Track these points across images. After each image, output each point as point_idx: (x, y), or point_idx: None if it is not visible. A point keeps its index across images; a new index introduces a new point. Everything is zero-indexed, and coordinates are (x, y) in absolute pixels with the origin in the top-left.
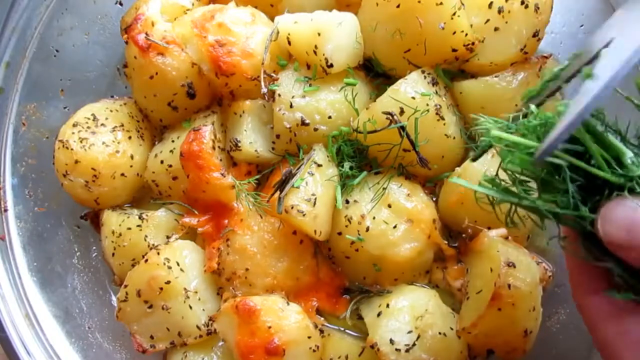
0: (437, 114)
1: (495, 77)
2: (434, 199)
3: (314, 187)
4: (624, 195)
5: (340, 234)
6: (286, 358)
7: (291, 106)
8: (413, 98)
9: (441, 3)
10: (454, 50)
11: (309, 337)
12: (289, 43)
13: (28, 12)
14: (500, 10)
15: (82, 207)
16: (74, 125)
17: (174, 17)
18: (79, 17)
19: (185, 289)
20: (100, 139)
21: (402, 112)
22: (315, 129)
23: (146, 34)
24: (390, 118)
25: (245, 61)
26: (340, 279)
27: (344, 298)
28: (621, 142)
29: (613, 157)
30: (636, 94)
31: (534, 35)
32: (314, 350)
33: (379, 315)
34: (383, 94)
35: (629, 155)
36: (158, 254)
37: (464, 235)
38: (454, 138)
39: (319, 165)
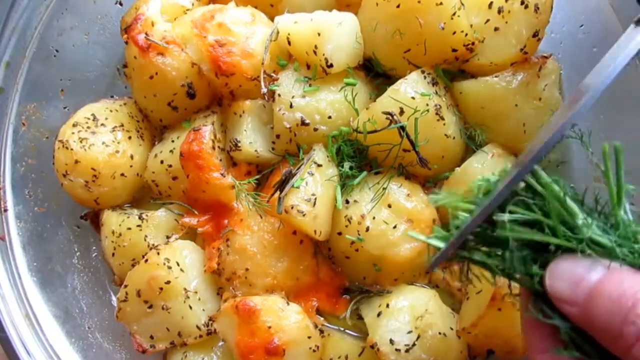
0: (437, 114)
1: (495, 77)
2: None
3: (314, 187)
4: (573, 253)
5: (340, 234)
6: (286, 358)
7: (291, 106)
8: (413, 98)
9: (441, 3)
10: (454, 50)
11: (309, 337)
12: (289, 43)
13: (28, 12)
14: (500, 10)
15: (82, 207)
16: (74, 125)
17: (174, 17)
18: (79, 17)
19: (185, 289)
20: (100, 139)
21: (402, 112)
22: (315, 129)
23: (146, 34)
24: (390, 118)
25: (245, 61)
26: (340, 279)
27: (344, 298)
28: (577, 205)
29: (564, 221)
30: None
31: (534, 35)
32: (314, 350)
33: (379, 315)
34: (383, 94)
35: (580, 216)
36: (158, 254)
37: None
38: (454, 138)
39: (319, 165)
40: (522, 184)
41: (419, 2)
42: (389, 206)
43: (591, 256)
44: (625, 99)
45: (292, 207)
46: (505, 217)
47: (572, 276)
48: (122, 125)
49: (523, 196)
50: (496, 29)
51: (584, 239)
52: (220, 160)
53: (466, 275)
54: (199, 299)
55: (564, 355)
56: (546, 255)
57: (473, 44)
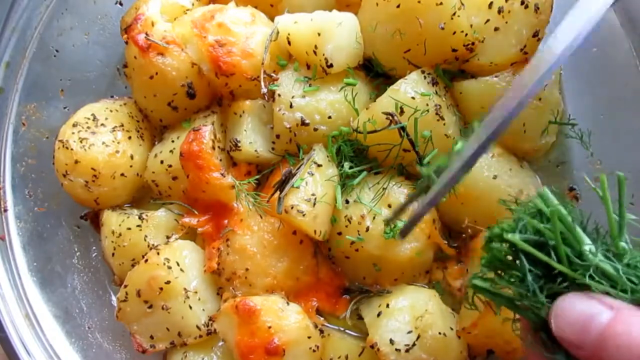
0: (437, 114)
1: (495, 77)
2: None
3: (314, 187)
4: (579, 291)
5: (340, 234)
6: (286, 358)
7: (291, 106)
8: (413, 98)
9: (441, 3)
10: (454, 50)
11: (309, 337)
12: (289, 43)
13: (28, 12)
14: (500, 10)
15: (82, 207)
16: (74, 125)
17: (174, 17)
18: (79, 17)
19: (185, 289)
20: (100, 139)
21: (402, 112)
22: (315, 129)
23: (146, 34)
24: (391, 118)
25: (245, 61)
26: (340, 279)
27: (344, 298)
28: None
29: (571, 247)
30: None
31: (534, 35)
32: (314, 350)
33: (379, 315)
34: (383, 94)
35: (587, 242)
36: (158, 254)
37: (464, 235)
38: (454, 138)
39: (319, 165)
40: (533, 209)
41: (419, 2)
42: (389, 206)
43: (596, 291)
44: (625, 98)
45: (292, 207)
46: (517, 236)
47: (578, 319)
48: (122, 125)
49: (531, 219)
50: (496, 29)
51: (591, 266)
52: (220, 160)
53: (472, 302)
54: (199, 299)
55: None
56: (551, 285)
57: (473, 44)
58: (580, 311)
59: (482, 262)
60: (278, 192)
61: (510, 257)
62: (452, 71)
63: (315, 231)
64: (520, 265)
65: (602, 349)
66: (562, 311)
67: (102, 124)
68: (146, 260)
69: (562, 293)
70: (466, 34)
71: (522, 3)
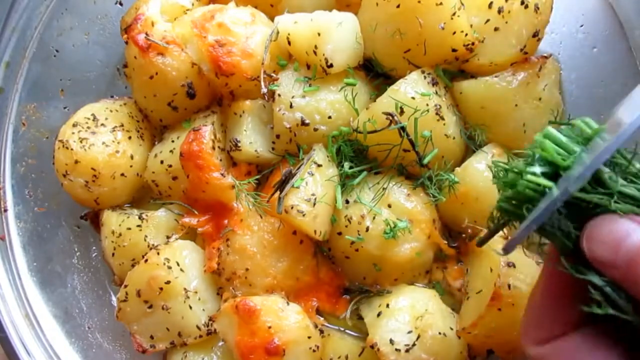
0: (437, 114)
1: (495, 77)
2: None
3: (314, 187)
4: (609, 213)
5: (340, 234)
6: (286, 358)
7: (291, 106)
8: (413, 98)
9: (441, 3)
10: (454, 50)
11: (309, 337)
12: (289, 43)
13: (28, 12)
14: (500, 10)
15: (82, 207)
16: (74, 125)
17: (174, 17)
18: (79, 17)
19: (185, 289)
20: (100, 139)
21: (402, 112)
22: (315, 129)
23: (146, 34)
24: (391, 118)
25: (245, 61)
26: (340, 279)
27: (344, 298)
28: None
29: (592, 176)
30: None
31: (534, 35)
32: (314, 350)
33: (379, 315)
34: (383, 94)
35: (606, 171)
36: (158, 254)
37: (464, 235)
38: (454, 138)
39: (319, 165)
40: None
41: (419, 2)
42: (389, 206)
43: (625, 214)
44: (624, 98)
45: (292, 207)
46: (537, 169)
47: (611, 240)
48: (122, 125)
49: (549, 147)
50: (496, 29)
51: (614, 193)
52: (220, 160)
53: (497, 222)
54: (199, 299)
55: (597, 312)
56: (578, 210)
57: (473, 44)
58: (613, 230)
59: (500, 198)
60: (278, 192)
61: (528, 192)
62: (452, 71)
63: (315, 231)
64: (544, 198)
65: (635, 267)
66: (594, 232)
67: (102, 124)
68: (146, 260)
69: (591, 216)
70: (466, 34)
71: (522, 3)
